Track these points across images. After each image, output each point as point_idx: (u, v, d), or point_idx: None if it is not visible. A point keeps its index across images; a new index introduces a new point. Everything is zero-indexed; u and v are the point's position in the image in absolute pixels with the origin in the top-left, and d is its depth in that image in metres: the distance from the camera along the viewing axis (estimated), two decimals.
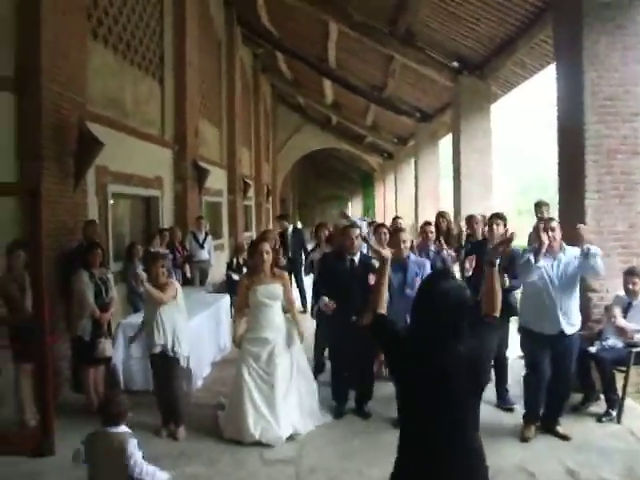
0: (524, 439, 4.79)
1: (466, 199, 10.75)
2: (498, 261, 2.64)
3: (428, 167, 16.26)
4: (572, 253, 4.79)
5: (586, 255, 4.60)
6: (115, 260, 7.96)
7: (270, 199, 24.04)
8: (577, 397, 5.50)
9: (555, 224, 4.83)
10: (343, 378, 5.57)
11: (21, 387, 5.18)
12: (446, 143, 14.94)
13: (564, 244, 4.84)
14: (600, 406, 5.35)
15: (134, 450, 3.22)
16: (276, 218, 16.14)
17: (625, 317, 5.33)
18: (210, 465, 4.49)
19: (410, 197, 18.51)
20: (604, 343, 5.39)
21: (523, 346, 5.05)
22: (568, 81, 6.20)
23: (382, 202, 28.90)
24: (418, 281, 5.23)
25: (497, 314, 2.45)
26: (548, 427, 4.89)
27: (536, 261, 4.65)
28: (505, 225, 5.57)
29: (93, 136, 6.38)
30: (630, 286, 5.35)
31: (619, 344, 5.30)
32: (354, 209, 45.08)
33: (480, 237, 6.22)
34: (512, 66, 10.14)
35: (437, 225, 7.16)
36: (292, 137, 27.24)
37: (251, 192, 19.06)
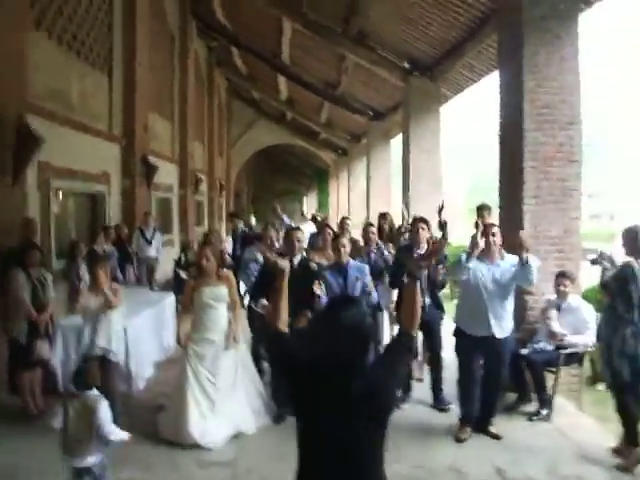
0: (459, 440, 4.92)
1: (415, 197, 10.90)
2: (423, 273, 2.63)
3: (380, 165, 16.46)
4: (510, 261, 4.93)
5: (523, 265, 4.71)
6: (58, 258, 7.78)
7: (224, 194, 23.85)
8: (512, 397, 5.70)
9: (496, 229, 4.97)
10: None
11: None
12: (398, 142, 15.12)
13: (504, 251, 4.97)
14: (533, 406, 5.53)
15: (103, 411, 3.65)
16: (228, 216, 16.03)
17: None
18: (146, 470, 4.46)
19: (362, 194, 18.66)
20: (535, 346, 5.59)
21: (457, 348, 5.16)
22: (509, 88, 6.38)
23: (336, 198, 29.04)
24: (358, 286, 5.32)
25: (414, 331, 2.38)
26: (481, 427, 5.03)
27: (467, 261, 4.79)
28: (429, 229, 5.71)
29: (32, 131, 6.21)
30: (561, 287, 5.53)
31: (549, 347, 5.50)
32: (309, 204, 45.13)
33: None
34: (461, 69, 10.36)
35: (379, 226, 7.23)
36: (247, 132, 27.06)
37: (204, 187, 18.88)
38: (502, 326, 4.89)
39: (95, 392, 3.79)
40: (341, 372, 2.08)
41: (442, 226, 6.44)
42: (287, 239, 5.47)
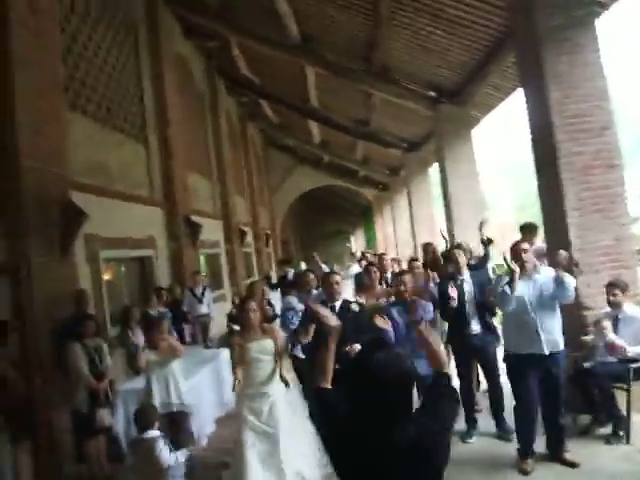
0: (523, 472, 4.69)
1: (459, 225, 10.76)
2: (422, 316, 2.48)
3: (421, 195, 16.38)
4: (547, 273, 4.80)
5: (559, 283, 4.60)
6: (113, 325, 7.98)
7: (270, 243, 24.12)
8: (585, 419, 5.41)
9: (526, 246, 4.84)
10: None
11: (20, 464, 5.15)
12: (436, 168, 15.06)
13: (538, 264, 4.82)
14: (609, 428, 5.22)
15: (162, 447, 4.08)
16: (277, 264, 16.14)
17: (615, 332, 5.24)
18: None
19: (407, 225, 18.55)
20: (598, 359, 5.32)
21: (509, 373, 4.97)
22: (535, 103, 6.28)
23: (382, 233, 28.95)
24: (423, 324, 5.21)
25: (445, 368, 2.25)
26: (554, 455, 4.79)
27: (512, 291, 4.67)
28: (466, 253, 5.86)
29: (77, 207, 6.49)
30: (611, 297, 5.29)
31: (612, 360, 5.22)
32: (357, 242, 45.16)
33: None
34: (487, 89, 10.29)
35: (425, 258, 7.16)
36: (286, 179, 27.46)
37: (249, 238, 19.16)
38: (553, 341, 4.69)
39: (155, 433, 4.23)
40: (384, 421, 1.97)
41: (485, 243, 6.36)
42: (324, 284, 5.39)
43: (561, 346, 4.77)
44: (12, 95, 6.00)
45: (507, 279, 4.76)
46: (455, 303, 5.47)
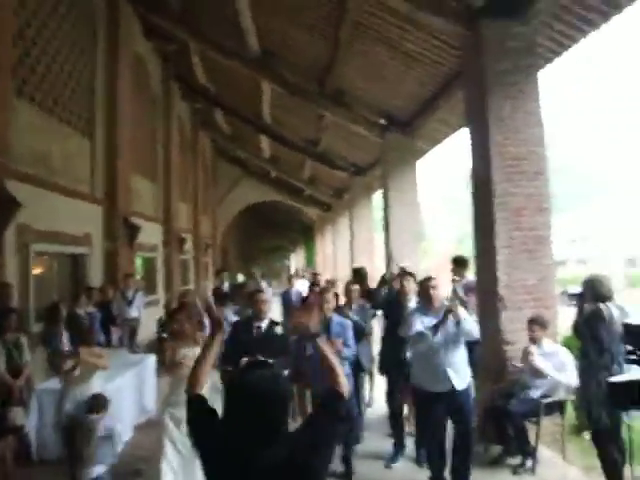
0: None
1: (398, 250, 11.01)
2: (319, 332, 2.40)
3: (362, 220, 16.64)
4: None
5: (457, 324, 4.73)
6: (37, 321, 7.72)
7: (209, 252, 23.88)
8: (496, 450, 5.62)
9: (435, 282, 4.94)
10: None
11: None
12: (380, 196, 15.36)
13: (444, 301, 4.95)
14: (518, 459, 5.44)
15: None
16: (215, 273, 15.98)
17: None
18: None
19: (347, 249, 18.77)
20: (527, 392, 5.51)
21: (418, 408, 5.08)
22: (477, 142, 6.55)
23: (322, 254, 29.14)
24: (339, 343, 5.28)
25: (342, 387, 2.18)
26: None
27: (433, 334, 4.70)
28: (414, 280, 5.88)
29: (11, 196, 6.29)
30: (531, 333, 5.54)
31: (538, 393, 5.44)
32: (297, 260, 45.26)
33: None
34: (436, 123, 10.64)
35: (355, 282, 7.27)
36: (232, 190, 27.32)
37: (189, 246, 18.92)
38: (461, 377, 4.79)
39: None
40: (259, 441, 1.93)
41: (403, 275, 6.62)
42: (253, 302, 5.32)
43: (467, 381, 4.87)
44: None
45: (422, 318, 4.86)
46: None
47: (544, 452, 5.57)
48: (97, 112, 10.59)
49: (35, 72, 8.15)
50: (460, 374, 4.79)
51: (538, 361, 5.42)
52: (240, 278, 22.03)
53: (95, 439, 4.88)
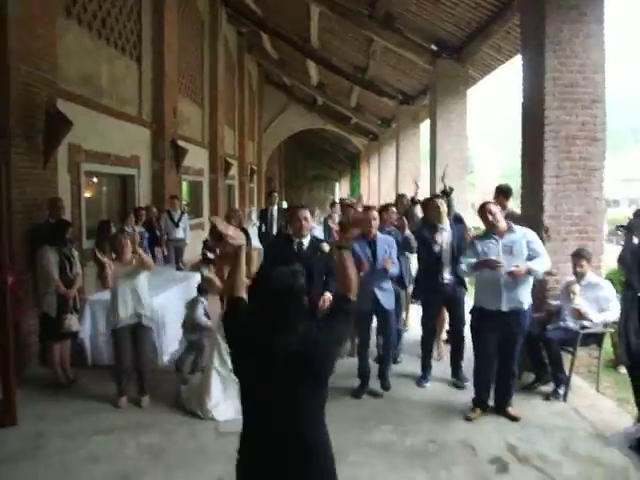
0: (467, 419, 4.95)
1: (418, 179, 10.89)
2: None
3: (409, 149, 16.38)
4: (521, 232, 4.91)
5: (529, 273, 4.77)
6: (88, 238, 8.04)
7: (255, 178, 24.05)
8: (530, 377, 5.70)
9: (492, 207, 4.90)
10: None
11: None
12: (427, 126, 15.03)
13: (512, 224, 4.94)
14: (551, 386, 5.50)
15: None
16: (266, 195, 15.93)
17: None
18: (165, 435, 4.65)
19: (393, 178, 18.60)
20: (561, 323, 5.54)
21: (471, 325, 5.14)
22: (531, 67, 6.30)
23: (367, 183, 28.99)
24: (388, 260, 5.38)
25: (351, 295, 2.36)
26: (499, 408, 5.04)
27: (470, 273, 4.95)
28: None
29: (62, 115, 6.42)
30: (578, 268, 5.50)
31: (574, 326, 5.45)
32: (342, 189, 45.15)
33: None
34: (489, 50, 10.22)
35: (396, 207, 7.26)
36: (278, 117, 27.19)
37: (234, 171, 19.08)
38: (517, 300, 4.81)
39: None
40: (274, 330, 2.15)
41: (447, 194, 6.54)
42: (292, 219, 5.21)
43: (524, 306, 4.89)
44: None
45: (475, 252, 4.91)
46: (438, 248, 5.64)
47: (577, 382, 5.63)
48: (144, 35, 10.53)
49: None
50: (515, 297, 4.81)
51: (580, 303, 5.39)
52: (284, 205, 22.23)
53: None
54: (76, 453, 4.40)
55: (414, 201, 8.36)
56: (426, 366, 5.93)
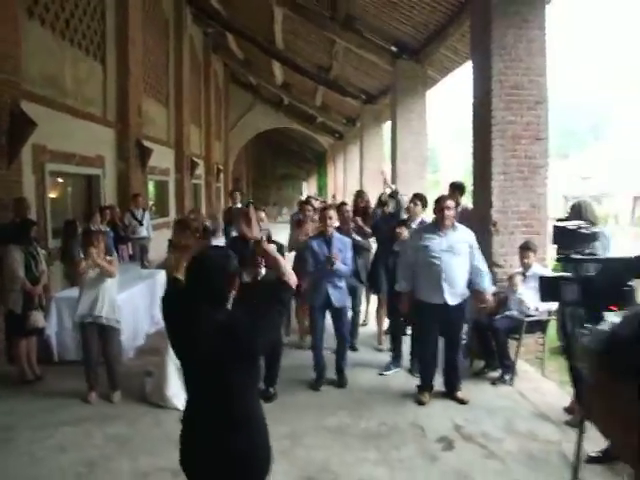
0: (420, 402, 5.26)
1: (403, 179, 11.20)
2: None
3: (373, 148, 16.68)
4: (464, 232, 5.24)
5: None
6: (54, 237, 8.14)
7: (221, 178, 24.13)
8: (480, 364, 6.05)
9: (449, 203, 5.20)
10: None
11: None
12: (390, 125, 15.37)
13: (456, 222, 5.26)
14: (499, 372, 5.85)
15: None
16: (228, 194, 16.07)
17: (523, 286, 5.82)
18: (130, 425, 4.84)
19: (357, 177, 18.91)
20: (507, 313, 5.89)
21: (417, 319, 5.47)
22: (480, 70, 6.67)
23: (333, 182, 29.30)
24: (340, 256, 5.64)
25: (287, 278, 2.44)
26: (449, 392, 5.36)
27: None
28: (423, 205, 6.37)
29: (26, 116, 6.55)
30: (525, 260, 5.85)
31: (519, 314, 5.80)
32: (310, 188, 45.38)
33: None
34: (446, 52, 10.58)
35: (355, 204, 7.57)
36: (245, 116, 27.28)
37: (200, 170, 19.17)
38: (455, 293, 5.13)
39: None
40: (202, 305, 2.30)
41: (392, 195, 6.89)
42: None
43: (462, 299, 5.21)
44: None
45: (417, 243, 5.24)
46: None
47: (524, 367, 6.00)
48: (108, 35, 10.63)
49: None
50: (455, 290, 5.13)
51: (523, 292, 5.74)
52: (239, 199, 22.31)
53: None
54: (44, 444, 4.55)
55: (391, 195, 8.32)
56: (395, 355, 6.22)
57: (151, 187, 14.18)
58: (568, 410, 4.91)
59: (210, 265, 2.35)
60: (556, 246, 3.44)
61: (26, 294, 5.77)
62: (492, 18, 6.27)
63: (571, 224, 3.42)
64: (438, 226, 5.19)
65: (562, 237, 3.39)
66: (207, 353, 2.26)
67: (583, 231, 3.33)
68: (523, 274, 5.86)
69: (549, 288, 3.12)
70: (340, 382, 5.80)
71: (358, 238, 6.44)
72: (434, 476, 4.02)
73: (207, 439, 2.33)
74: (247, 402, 2.38)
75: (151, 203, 14.76)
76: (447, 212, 5.13)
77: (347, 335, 6.05)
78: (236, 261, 2.45)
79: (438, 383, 5.46)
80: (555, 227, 3.44)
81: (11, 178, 6.74)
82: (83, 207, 9.95)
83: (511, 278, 5.92)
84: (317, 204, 12.02)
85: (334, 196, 13.52)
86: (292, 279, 2.47)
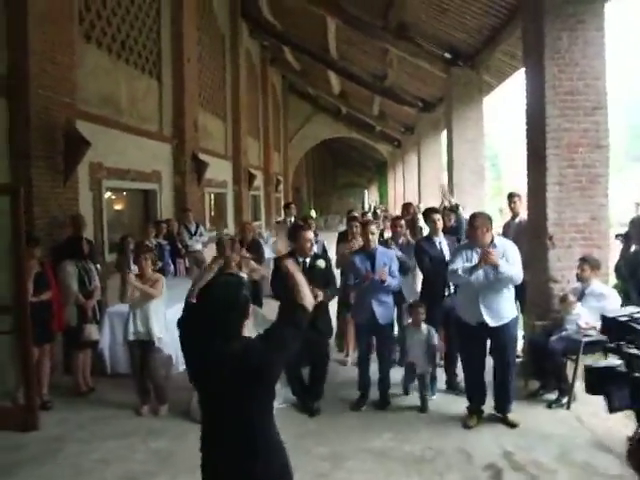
0: (466, 426, 5.03)
1: (459, 188, 10.92)
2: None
3: (431, 157, 16.42)
4: (502, 247, 4.92)
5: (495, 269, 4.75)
6: (110, 252, 8.36)
7: (281, 189, 24.35)
8: (535, 385, 5.73)
9: (480, 221, 4.90)
10: (298, 365, 5.62)
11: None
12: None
13: (495, 238, 4.96)
14: (556, 394, 5.51)
15: None
16: (283, 207, 16.17)
17: (580, 303, 5.49)
18: (174, 441, 4.86)
19: (416, 185, 18.65)
20: (563, 334, 5.56)
21: (457, 337, 5.26)
22: (533, 76, 6.37)
23: (393, 190, 29.05)
24: (386, 270, 5.51)
25: (305, 301, 2.40)
26: (499, 415, 5.11)
27: (469, 275, 4.82)
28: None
29: (80, 135, 6.76)
30: (579, 272, 5.53)
31: (576, 335, 5.44)
32: (371, 197, 45.23)
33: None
34: (502, 56, 10.27)
35: (402, 216, 7.40)
36: (304, 126, 27.49)
37: (259, 182, 19.38)
38: (495, 315, 4.85)
39: None
40: (212, 337, 2.26)
41: (453, 209, 6.64)
42: (297, 238, 5.51)
43: (507, 318, 4.91)
44: (25, 20, 6.21)
45: (466, 256, 4.96)
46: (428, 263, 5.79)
47: (582, 390, 5.63)
48: (164, 52, 10.89)
49: (101, 17, 8.47)
50: (493, 311, 4.86)
51: (579, 312, 5.40)
52: (313, 214, 22.45)
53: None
54: (90, 456, 4.66)
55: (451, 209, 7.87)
56: (431, 379, 6.00)
57: (209, 200, 14.42)
58: (631, 440, 4.56)
59: (219, 295, 2.31)
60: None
61: (80, 308, 5.94)
62: (544, 20, 5.99)
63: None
64: (472, 244, 4.98)
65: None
66: (220, 383, 2.25)
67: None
68: (582, 292, 5.52)
69: (597, 382, 2.78)
70: (382, 403, 5.61)
71: (400, 254, 6.25)
72: None
73: (225, 468, 2.31)
74: (264, 428, 2.34)
75: (212, 213, 15.04)
76: (479, 232, 4.88)
77: (390, 355, 5.88)
78: (248, 290, 2.39)
79: (489, 406, 5.22)
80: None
81: (67, 196, 6.97)
82: (140, 221, 10.20)
83: (564, 299, 5.60)
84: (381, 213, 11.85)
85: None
86: (309, 302, 2.43)
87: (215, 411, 2.36)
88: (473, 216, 5.09)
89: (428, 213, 6.17)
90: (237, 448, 2.28)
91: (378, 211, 23.49)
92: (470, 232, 4.98)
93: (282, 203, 24.51)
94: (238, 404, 2.26)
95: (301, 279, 2.48)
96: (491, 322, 4.84)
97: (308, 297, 2.43)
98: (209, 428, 2.40)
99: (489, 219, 4.98)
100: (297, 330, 2.37)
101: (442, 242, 5.92)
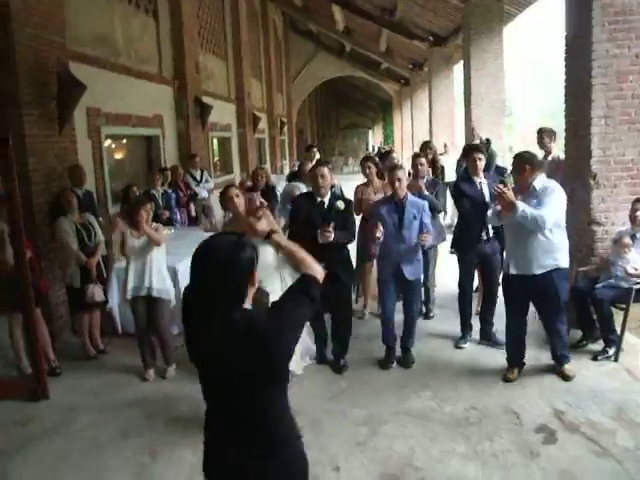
0: (506, 380, 4.69)
1: (477, 125, 10.29)
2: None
3: (442, 93, 15.72)
4: (542, 188, 4.41)
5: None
6: (114, 203, 7.88)
7: (285, 131, 23.61)
8: (577, 334, 5.32)
9: (514, 163, 4.53)
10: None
11: (16, 337, 5.21)
12: (461, 68, 14.34)
13: (535, 182, 4.44)
14: (600, 344, 5.12)
15: None
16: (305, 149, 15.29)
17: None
18: (194, 406, 4.44)
19: (426, 123, 17.94)
20: (611, 281, 5.09)
21: (503, 289, 4.81)
22: None
23: (400, 130, 28.27)
24: (416, 225, 4.99)
25: (315, 273, 2.05)
26: (554, 366, 4.77)
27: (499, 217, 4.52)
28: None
29: (73, 78, 6.12)
30: (637, 214, 5.01)
31: (625, 284, 4.95)
32: (375, 137, 44.34)
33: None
34: None
35: (424, 156, 6.79)
36: (306, 66, 26.49)
37: (263, 124, 18.68)
38: (541, 263, 4.40)
39: None
40: (213, 303, 1.87)
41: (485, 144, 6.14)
42: (312, 176, 4.96)
43: (553, 267, 4.44)
44: None
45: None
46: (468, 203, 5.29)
47: (631, 340, 5.23)
48: None
49: None
50: (526, 260, 4.44)
51: (634, 258, 4.91)
52: (317, 156, 21.78)
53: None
54: (106, 427, 4.31)
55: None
56: (465, 326, 5.61)
57: (213, 144, 13.82)
58: None
59: (218, 254, 1.89)
60: None
61: (83, 267, 5.48)
62: None
63: None
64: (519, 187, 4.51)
65: None
66: (226, 363, 1.89)
67: None
68: (633, 235, 5.04)
69: None
70: (405, 361, 5.18)
71: (430, 197, 5.72)
72: (536, 477, 3.45)
73: (237, 457, 1.98)
74: (276, 415, 2.00)
75: (216, 159, 14.46)
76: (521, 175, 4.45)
77: (416, 311, 5.37)
78: (253, 250, 1.95)
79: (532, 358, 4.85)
80: None
81: (64, 145, 6.39)
82: (144, 169, 9.67)
83: (619, 240, 5.09)
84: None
85: (445, 145, 12.61)
86: (316, 271, 2.05)
87: (219, 396, 2.01)
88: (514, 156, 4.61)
89: (469, 151, 5.56)
90: (247, 437, 1.96)
91: (382, 150, 22.74)
92: (520, 173, 4.48)
93: (287, 146, 23.92)
94: (244, 388, 1.92)
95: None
96: (537, 270, 4.41)
97: (314, 266, 2.06)
98: (214, 412, 2.06)
99: (527, 158, 4.48)
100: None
101: (482, 182, 5.35)
